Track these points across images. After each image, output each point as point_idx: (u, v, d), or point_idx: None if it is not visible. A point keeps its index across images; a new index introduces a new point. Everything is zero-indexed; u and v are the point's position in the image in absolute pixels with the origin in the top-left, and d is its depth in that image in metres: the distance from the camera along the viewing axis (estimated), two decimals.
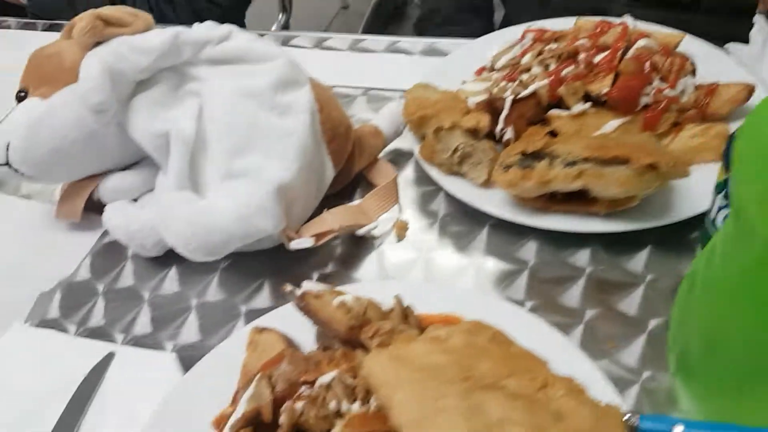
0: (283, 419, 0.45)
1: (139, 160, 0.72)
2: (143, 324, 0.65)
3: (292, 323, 0.56)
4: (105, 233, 0.72)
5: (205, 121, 0.64)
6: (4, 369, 0.61)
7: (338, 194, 0.72)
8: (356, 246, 0.68)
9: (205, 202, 0.60)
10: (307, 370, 0.47)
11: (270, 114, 0.63)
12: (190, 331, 0.63)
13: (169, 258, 0.69)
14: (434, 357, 0.44)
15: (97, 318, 0.65)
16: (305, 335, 0.56)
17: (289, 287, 0.53)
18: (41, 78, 0.67)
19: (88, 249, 0.71)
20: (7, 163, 0.66)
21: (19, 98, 0.68)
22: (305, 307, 0.52)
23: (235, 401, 0.51)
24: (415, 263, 0.66)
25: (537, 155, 0.62)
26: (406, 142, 0.76)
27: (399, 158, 0.77)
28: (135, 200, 0.71)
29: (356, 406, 0.45)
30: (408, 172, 0.75)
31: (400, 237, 0.68)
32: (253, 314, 0.63)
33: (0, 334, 0.64)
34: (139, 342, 0.63)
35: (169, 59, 0.65)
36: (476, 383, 0.42)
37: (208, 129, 0.63)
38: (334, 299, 0.52)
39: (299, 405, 0.45)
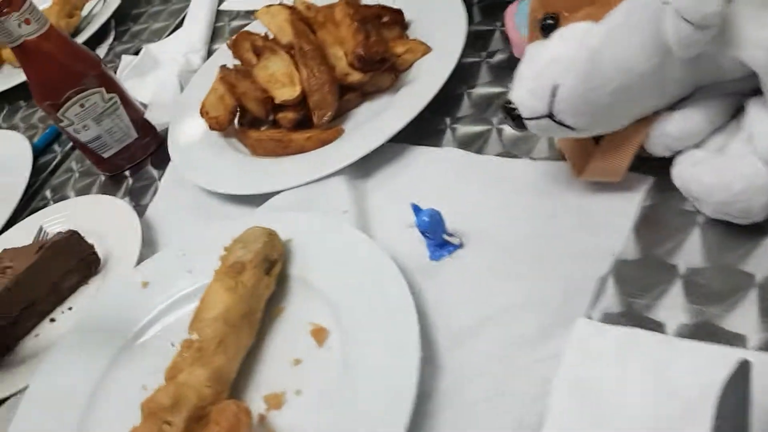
0: None
1: (688, 95, 0.53)
2: (752, 317, 0.46)
3: None
4: (646, 196, 0.56)
5: None
6: (595, 386, 0.47)
7: None
8: None
9: None
10: None
11: None
12: None
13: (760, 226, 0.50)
14: None
15: (681, 310, 0.49)
16: None
17: None
18: None
19: (631, 217, 0.55)
20: (549, 114, 0.51)
21: (547, 27, 0.52)
22: None
23: None
24: None
25: None
26: None
27: None
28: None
29: None
30: None
31: None
32: None
33: (555, 332, 0.51)
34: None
35: None
36: None
37: None
38: None
39: None
